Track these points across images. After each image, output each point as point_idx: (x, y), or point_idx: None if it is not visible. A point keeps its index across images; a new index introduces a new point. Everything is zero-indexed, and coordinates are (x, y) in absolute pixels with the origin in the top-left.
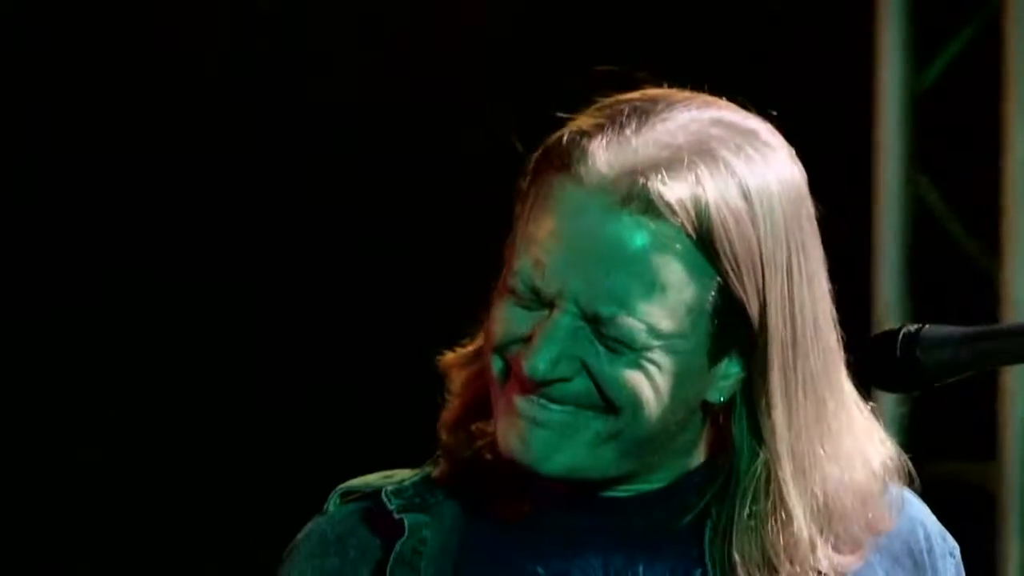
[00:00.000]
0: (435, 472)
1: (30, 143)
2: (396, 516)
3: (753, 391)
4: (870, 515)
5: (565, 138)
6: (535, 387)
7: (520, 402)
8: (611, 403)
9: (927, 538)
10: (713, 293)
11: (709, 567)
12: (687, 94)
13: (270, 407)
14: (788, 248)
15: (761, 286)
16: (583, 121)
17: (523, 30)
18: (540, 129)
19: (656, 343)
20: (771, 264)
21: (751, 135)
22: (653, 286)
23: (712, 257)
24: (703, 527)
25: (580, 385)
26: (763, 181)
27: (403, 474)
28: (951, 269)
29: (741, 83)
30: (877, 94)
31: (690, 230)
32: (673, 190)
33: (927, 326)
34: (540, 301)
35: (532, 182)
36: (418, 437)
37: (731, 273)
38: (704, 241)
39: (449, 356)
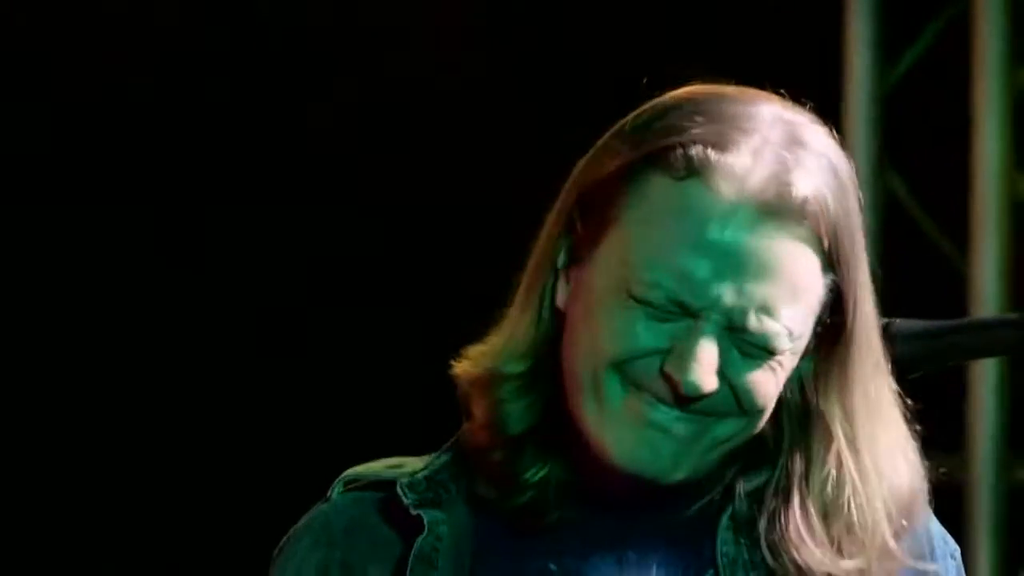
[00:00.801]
0: (448, 459)
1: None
2: (413, 512)
3: (827, 382)
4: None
5: (686, 148)
6: (687, 401)
7: (656, 414)
8: (741, 408)
9: (929, 540)
10: (827, 291)
11: (720, 559)
12: (745, 89)
13: (271, 388)
14: (863, 239)
15: (856, 279)
16: (684, 125)
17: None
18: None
19: (789, 346)
20: (861, 256)
21: (817, 126)
22: (796, 291)
23: (833, 256)
24: (717, 519)
25: (722, 393)
26: (848, 171)
27: (410, 464)
28: (920, 263)
29: (710, 80)
30: (846, 91)
31: (822, 231)
32: (805, 193)
33: (897, 320)
34: (681, 312)
35: (626, 189)
36: (417, 426)
37: (843, 269)
38: (831, 241)
39: (467, 367)
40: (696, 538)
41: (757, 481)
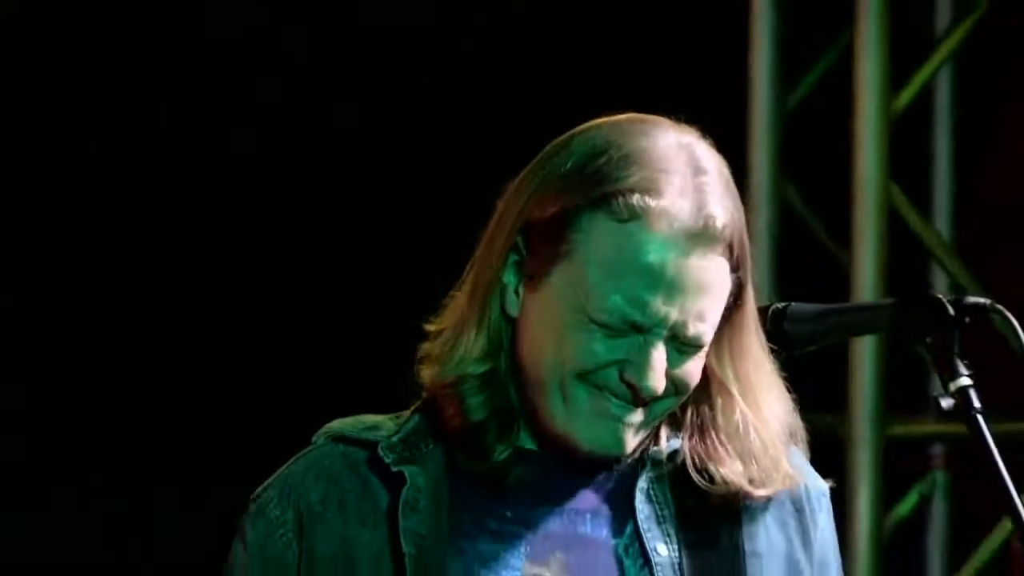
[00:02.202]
0: (416, 421)
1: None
2: (394, 469)
3: (725, 353)
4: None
5: (626, 196)
6: (644, 401)
7: (616, 409)
8: (678, 391)
9: (806, 481)
10: (732, 286)
11: (637, 513)
12: (644, 119)
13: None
14: (747, 235)
15: (748, 273)
16: (617, 174)
17: None
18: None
19: (710, 336)
20: (749, 252)
21: (703, 142)
22: (718, 296)
23: (737, 260)
24: (637, 480)
25: (667, 387)
26: (728, 174)
27: (383, 424)
28: (810, 259)
29: (629, 107)
30: (751, 114)
31: (732, 244)
32: (724, 220)
33: (792, 304)
34: (632, 330)
35: (573, 228)
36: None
37: (743, 268)
38: (737, 249)
39: (431, 373)
40: (622, 495)
41: (670, 447)
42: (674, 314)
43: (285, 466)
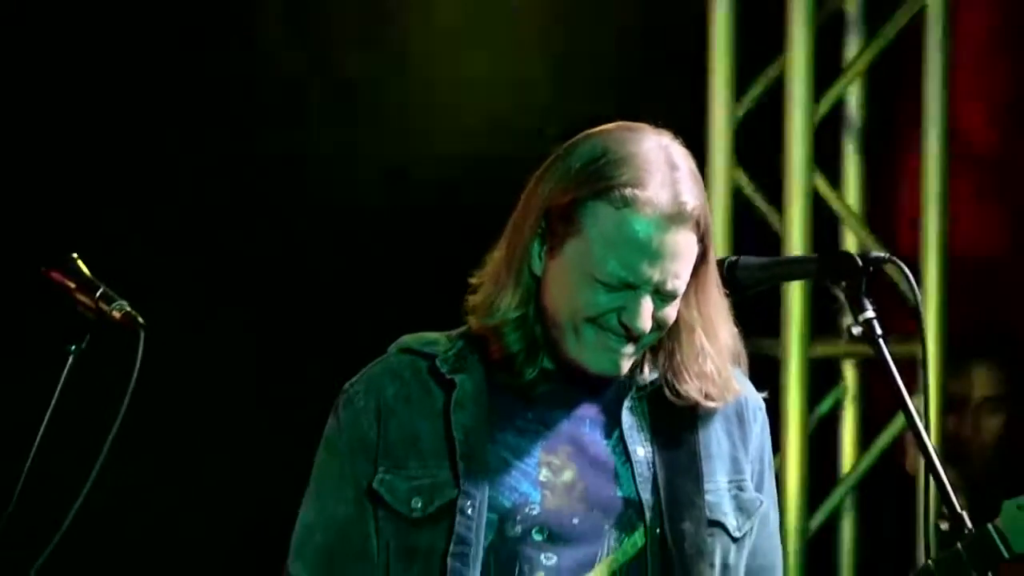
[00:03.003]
0: (463, 342)
1: None
2: (448, 376)
3: (692, 299)
4: (729, 376)
5: (620, 189)
6: (635, 338)
7: (614, 344)
8: (660, 328)
9: (745, 397)
10: (698, 252)
11: (623, 421)
12: (632, 127)
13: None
14: (710, 213)
15: (710, 241)
16: (613, 173)
17: None
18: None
19: (683, 288)
20: (711, 227)
21: (676, 142)
22: (688, 261)
23: (702, 233)
24: (626, 397)
25: (652, 326)
26: (696, 170)
27: (439, 340)
28: (755, 228)
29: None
30: (711, 115)
31: (699, 222)
32: (693, 204)
33: (741, 257)
34: (626, 287)
35: (582, 213)
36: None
37: (707, 239)
38: (703, 225)
39: (479, 319)
40: (613, 408)
41: (649, 376)
42: (657, 275)
43: (368, 367)
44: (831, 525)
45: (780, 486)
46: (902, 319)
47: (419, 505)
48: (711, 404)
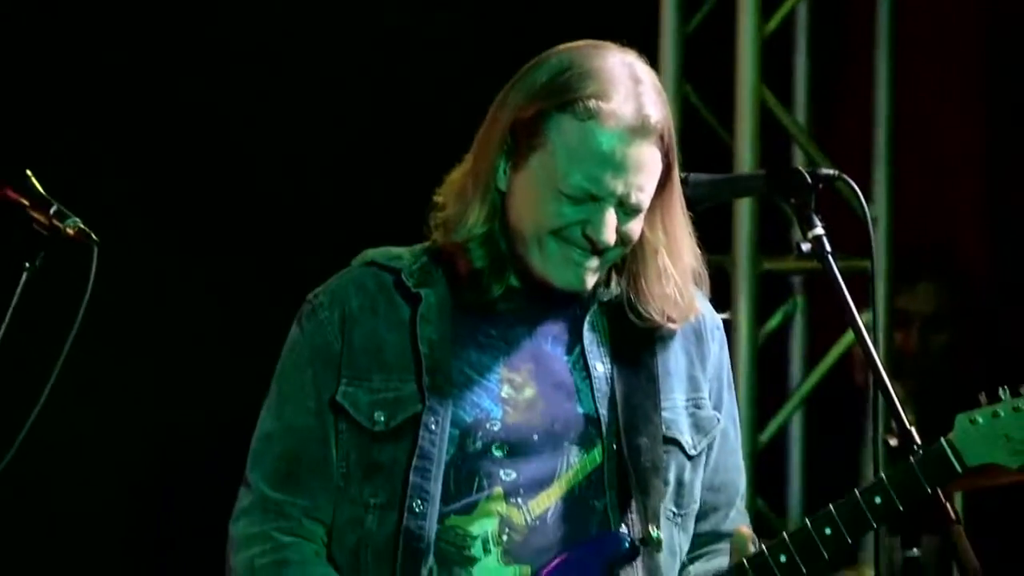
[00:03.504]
0: (428, 257)
1: None
2: (414, 290)
3: (656, 218)
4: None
5: (585, 101)
6: (599, 251)
7: (579, 257)
8: (624, 243)
9: (705, 316)
10: (662, 167)
11: (584, 337)
12: (598, 44)
13: None
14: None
15: (673, 156)
16: (578, 85)
17: None
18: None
19: (647, 203)
20: (674, 141)
21: (640, 59)
22: (652, 174)
23: (666, 148)
24: (587, 313)
25: (616, 240)
26: (660, 85)
27: (404, 255)
28: (703, 141)
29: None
30: (662, 33)
31: (663, 136)
32: (657, 118)
33: (691, 174)
34: (591, 199)
35: (547, 125)
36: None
37: (670, 154)
38: (666, 139)
39: (445, 233)
40: (574, 325)
41: (612, 292)
42: (620, 187)
43: (332, 279)
44: (780, 439)
45: None
46: (850, 235)
47: (382, 419)
48: (672, 326)
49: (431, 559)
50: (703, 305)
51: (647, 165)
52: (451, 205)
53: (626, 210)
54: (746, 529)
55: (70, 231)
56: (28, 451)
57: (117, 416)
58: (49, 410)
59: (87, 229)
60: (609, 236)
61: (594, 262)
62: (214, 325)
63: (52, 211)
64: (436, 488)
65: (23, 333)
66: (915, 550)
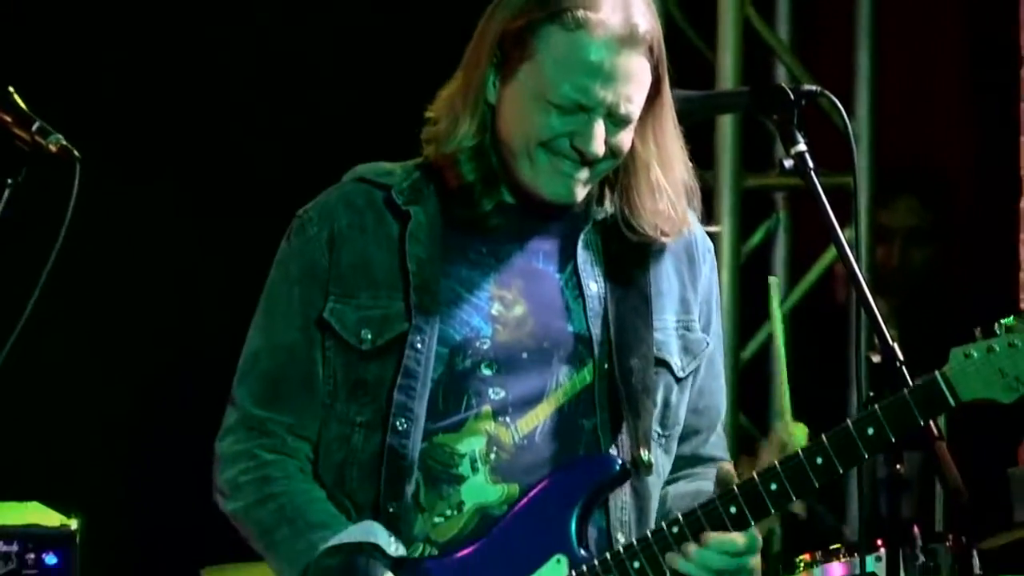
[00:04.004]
0: (420, 173)
1: None
2: (404, 208)
3: (647, 131)
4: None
5: (573, 11)
6: (589, 162)
7: (568, 168)
8: (614, 155)
9: (697, 238)
10: (651, 79)
11: (578, 255)
12: None
13: None
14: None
15: (663, 70)
16: None
17: None
18: None
19: (637, 113)
20: (664, 54)
21: None
22: (641, 85)
23: (656, 59)
24: (581, 231)
25: (605, 152)
26: (651, 3)
27: (395, 171)
28: (686, 58)
29: None
30: None
31: (652, 47)
32: (645, 28)
33: (675, 90)
34: (580, 109)
35: (536, 36)
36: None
37: (660, 66)
38: (656, 51)
39: (436, 147)
40: (567, 242)
41: (606, 209)
42: (609, 97)
43: (322, 195)
44: (763, 356)
45: None
46: (833, 151)
47: (368, 337)
48: (665, 240)
49: (416, 476)
50: (696, 226)
51: (636, 75)
52: (442, 120)
53: (615, 121)
54: (729, 466)
55: (52, 148)
56: (11, 367)
57: (101, 334)
58: (32, 326)
59: (69, 146)
60: (598, 147)
61: (584, 173)
62: (201, 240)
63: (34, 128)
64: (421, 407)
65: (6, 249)
66: (898, 466)
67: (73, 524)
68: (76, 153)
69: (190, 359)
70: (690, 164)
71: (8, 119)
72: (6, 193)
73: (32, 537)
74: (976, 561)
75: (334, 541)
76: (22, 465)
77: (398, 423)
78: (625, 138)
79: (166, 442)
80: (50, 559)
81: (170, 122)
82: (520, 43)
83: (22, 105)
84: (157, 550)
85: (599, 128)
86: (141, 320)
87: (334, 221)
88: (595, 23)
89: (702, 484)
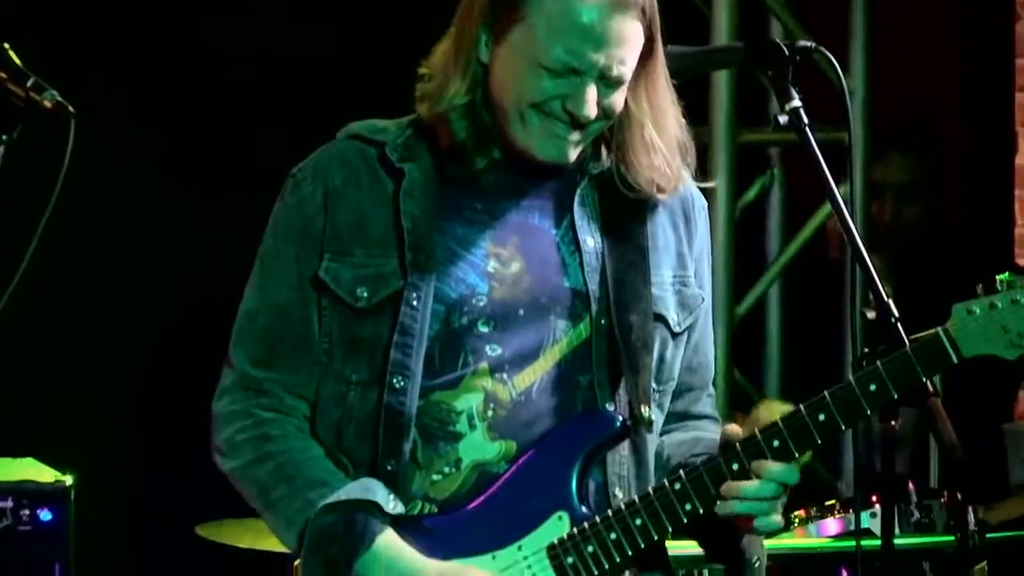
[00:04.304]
0: (413, 130)
1: None
2: (398, 165)
3: (640, 91)
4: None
5: None
6: (581, 125)
7: (560, 131)
8: (606, 116)
9: (692, 196)
10: (644, 41)
11: (575, 208)
12: None
13: None
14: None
15: (656, 32)
16: None
17: None
18: None
19: (629, 75)
20: (658, 17)
21: None
22: (635, 48)
23: (649, 22)
24: (577, 187)
25: (598, 114)
26: None
27: (389, 128)
28: (683, 16)
29: None
30: None
31: (646, 8)
32: None
33: (669, 46)
34: (572, 73)
35: (528, 3)
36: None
37: (653, 28)
38: (649, 15)
39: (429, 105)
40: (563, 198)
41: (601, 164)
42: (602, 60)
43: (315, 153)
44: (758, 312)
45: None
46: (828, 107)
47: (364, 295)
48: (661, 196)
49: (413, 434)
50: (690, 183)
51: (629, 38)
52: (435, 77)
53: (607, 83)
54: (735, 427)
55: (47, 104)
56: (7, 323)
57: (97, 290)
58: (28, 282)
59: (64, 101)
60: (590, 110)
61: (576, 135)
62: (201, 194)
63: (29, 84)
64: (417, 365)
65: (2, 205)
66: (893, 422)
67: (68, 480)
68: (71, 109)
69: (187, 316)
70: (684, 121)
71: (3, 75)
72: (1, 149)
73: (27, 493)
74: (971, 517)
75: (332, 498)
76: (17, 421)
77: (395, 381)
78: (618, 99)
79: (161, 399)
80: (45, 515)
81: (171, 71)
82: (512, 5)
83: (17, 61)
84: (152, 507)
85: (591, 91)
86: (138, 277)
87: (328, 179)
88: None
89: (699, 433)
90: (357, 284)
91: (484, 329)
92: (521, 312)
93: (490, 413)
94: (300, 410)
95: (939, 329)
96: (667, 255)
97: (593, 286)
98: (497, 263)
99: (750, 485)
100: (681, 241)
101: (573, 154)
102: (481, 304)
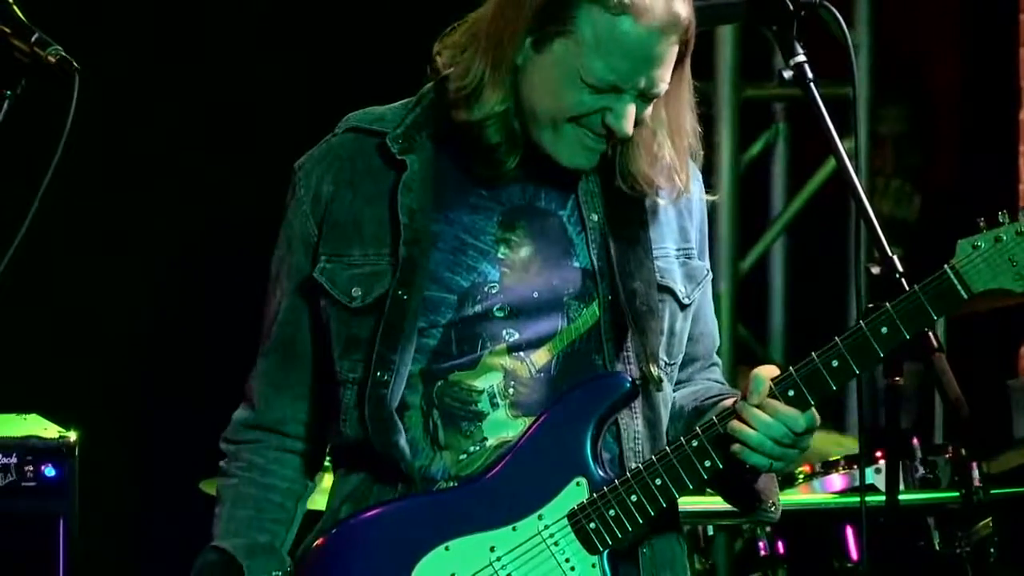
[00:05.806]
0: (417, 115)
1: None
2: (399, 157)
3: (664, 102)
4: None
5: None
6: (616, 139)
7: (591, 143)
8: (637, 126)
9: (693, 180)
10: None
11: (580, 195)
12: None
13: None
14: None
15: (691, 44)
16: None
17: None
18: None
19: (664, 90)
20: (693, 34)
21: None
22: (672, 66)
23: (686, 41)
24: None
25: None
26: None
27: (388, 116)
28: None
29: None
30: None
31: (687, 33)
32: (685, 14)
33: None
34: (612, 90)
35: (576, 13)
36: None
37: (688, 47)
38: (688, 36)
39: (467, 111)
40: (568, 181)
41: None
42: (643, 81)
43: (315, 148)
44: (762, 266)
45: (712, 228)
46: (832, 62)
47: (359, 294)
48: (659, 200)
49: (435, 416)
50: (692, 172)
51: (670, 59)
52: (462, 75)
53: (645, 99)
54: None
55: (51, 59)
56: (11, 280)
57: (103, 246)
58: (32, 238)
59: (68, 57)
60: (628, 127)
61: (604, 145)
62: (209, 157)
63: (33, 39)
64: (402, 357)
65: (5, 160)
66: (897, 378)
67: (72, 436)
68: (75, 64)
69: (192, 272)
70: (699, 127)
71: (7, 30)
72: (5, 104)
73: (31, 449)
74: (976, 473)
75: (218, 542)
76: (21, 377)
77: (379, 373)
78: (649, 111)
79: (165, 355)
80: (49, 471)
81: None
82: (559, 18)
83: (21, 16)
84: (155, 462)
85: (631, 109)
86: (145, 233)
87: (323, 179)
88: (640, 9)
89: (709, 384)
90: (352, 284)
91: (500, 315)
92: (535, 295)
93: (511, 391)
94: (300, 444)
95: (945, 266)
96: (669, 228)
97: (600, 263)
98: (507, 248)
99: (761, 417)
100: (682, 214)
101: (596, 162)
102: (494, 292)
